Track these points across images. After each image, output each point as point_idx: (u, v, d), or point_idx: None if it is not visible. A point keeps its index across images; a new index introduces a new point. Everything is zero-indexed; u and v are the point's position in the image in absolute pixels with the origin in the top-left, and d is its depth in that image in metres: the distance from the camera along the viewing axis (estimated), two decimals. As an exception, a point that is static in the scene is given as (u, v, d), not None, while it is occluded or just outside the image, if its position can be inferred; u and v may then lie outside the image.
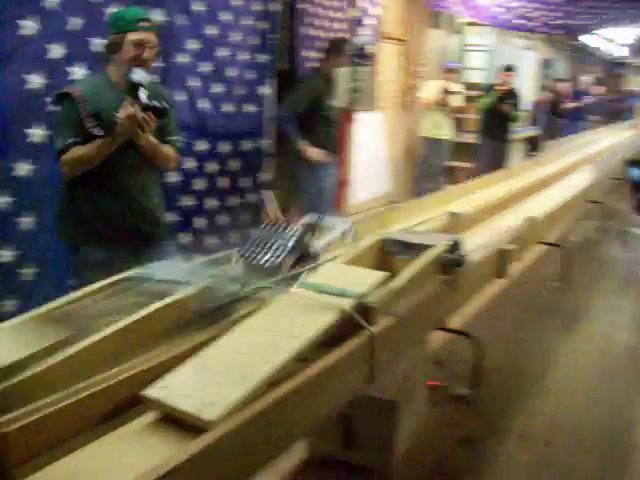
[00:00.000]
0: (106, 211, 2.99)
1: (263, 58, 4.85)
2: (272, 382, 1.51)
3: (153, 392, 1.46)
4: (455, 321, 4.06)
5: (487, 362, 3.60)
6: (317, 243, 2.31)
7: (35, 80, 3.32)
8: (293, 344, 1.62)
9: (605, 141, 9.65)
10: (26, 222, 3.40)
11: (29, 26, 3.28)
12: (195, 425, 1.37)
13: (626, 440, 3.16)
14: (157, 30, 3.03)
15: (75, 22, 3.50)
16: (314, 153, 4.99)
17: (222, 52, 4.48)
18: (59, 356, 1.57)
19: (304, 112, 4.90)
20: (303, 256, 2.17)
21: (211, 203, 4.59)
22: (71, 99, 2.84)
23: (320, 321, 1.74)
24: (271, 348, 1.60)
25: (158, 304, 1.80)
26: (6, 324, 1.74)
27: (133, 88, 2.86)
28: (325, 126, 4.97)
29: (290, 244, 2.15)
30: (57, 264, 3.42)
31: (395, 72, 8.20)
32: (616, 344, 4.33)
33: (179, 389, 1.45)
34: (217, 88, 4.50)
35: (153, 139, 2.99)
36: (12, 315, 1.77)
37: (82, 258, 3.03)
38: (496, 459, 2.95)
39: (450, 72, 7.84)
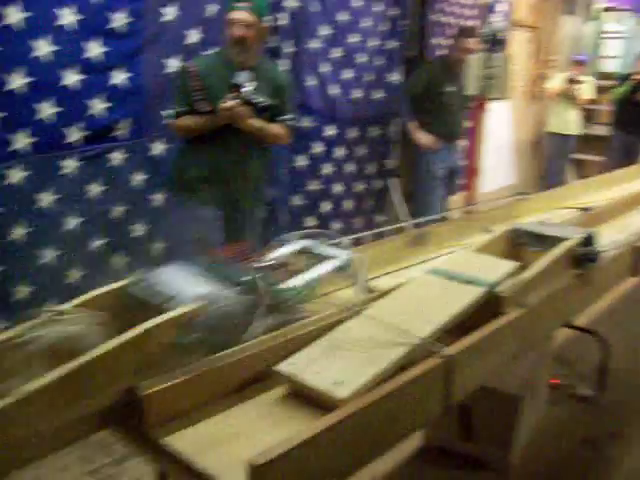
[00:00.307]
0: (209, 173, 3.17)
1: (392, 45, 4.84)
2: (401, 365, 1.53)
3: (285, 368, 1.51)
4: (582, 319, 3.94)
5: (614, 363, 3.47)
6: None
7: (173, 64, 3.47)
8: (423, 329, 1.62)
9: None
10: (157, 199, 3.57)
11: (170, 13, 3.43)
12: (325, 402, 1.41)
13: None
14: (256, 10, 3.04)
15: (211, 9, 3.62)
16: (422, 137, 4.85)
17: (353, 38, 4.50)
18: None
19: (419, 95, 4.83)
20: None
21: (337, 188, 4.64)
22: (187, 73, 3.07)
23: (450, 308, 1.73)
24: (401, 332, 1.61)
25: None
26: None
27: (232, 88, 2.97)
28: (440, 112, 4.78)
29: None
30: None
31: (525, 61, 7.95)
32: None
33: (310, 366, 1.49)
34: (347, 74, 4.53)
35: (257, 123, 3.10)
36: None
37: (187, 213, 3.23)
38: (618, 464, 2.84)
39: (577, 65, 7.49)
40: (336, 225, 4.65)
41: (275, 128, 3.23)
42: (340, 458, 1.37)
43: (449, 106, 4.76)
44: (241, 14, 2.99)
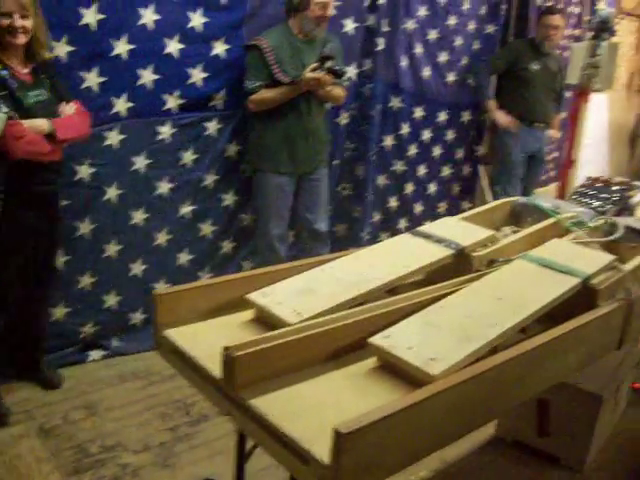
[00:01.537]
0: (281, 141, 3.43)
1: (491, 29, 4.71)
2: (494, 347, 1.51)
3: (380, 340, 1.51)
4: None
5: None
6: (632, 200, 2.75)
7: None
8: (517, 313, 1.60)
9: None
10: (247, 170, 3.63)
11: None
12: (417, 378, 1.41)
13: None
14: None
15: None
16: (501, 117, 4.63)
17: (451, 20, 4.41)
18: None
19: (502, 72, 4.68)
20: (622, 209, 2.63)
21: (422, 171, 4.59)
22: (259, 49, 3.27)
23: (544, 296, 1.70)
24: (496, 313, 1.60)
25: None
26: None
27: (323, 60, 3.26)
28: (523, 91, 4.60)
29: (615, 197, 2.66)
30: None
31: (627, 52, 7.65)
32: None
33: (405, 341, 1.49)
34: (442, 57, 4.45)
35: (335, 89, 3.49)
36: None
37: (261, 181, 3.51)
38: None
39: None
40: (419, 208, 4.60)
41: (340, 91, 3.58)
42: (425, 435, 1.37)
43: (533, 86, 4.60)
44: None
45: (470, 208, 4.95)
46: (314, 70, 3.26)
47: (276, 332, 1.53)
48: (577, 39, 5.31)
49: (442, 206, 4.78)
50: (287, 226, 3.64)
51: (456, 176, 4.84)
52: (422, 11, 4.25)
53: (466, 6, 4.50)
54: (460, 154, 4.81)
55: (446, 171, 4.77)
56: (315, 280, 1.81)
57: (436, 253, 1.91)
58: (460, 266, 1.94)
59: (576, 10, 5.52)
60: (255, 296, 1.75)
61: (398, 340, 1.51)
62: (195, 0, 3.18)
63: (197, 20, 3.20)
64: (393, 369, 1.50)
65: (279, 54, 3.30)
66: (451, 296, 1.70)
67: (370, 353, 1.56)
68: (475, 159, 4.93)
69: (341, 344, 1.60)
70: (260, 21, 3.43)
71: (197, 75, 3.27)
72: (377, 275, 1.80)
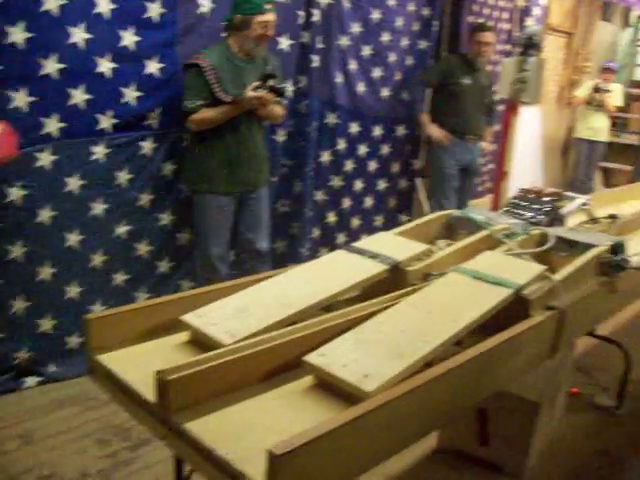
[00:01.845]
0: (221, 162, 3.39)
1: (424, 44, 4.80)
2: (428, 361, 1.53)
3: (315, 359, 1.51)
4: (605, 328, 3.90)
5: (635, 374, 3.43)
6: (563, 210, 2.83)
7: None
8: (451, 327, 1.62)
9: None
10: (185, 190, 3.59)
11: (205, 4, 3.43)
12: (353, 394, 1.41)
13: None
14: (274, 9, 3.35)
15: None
16: (433, 130, 4.72)
17: (384, 37, 4.47)
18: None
19: (434, 86, 4.77)
20: (553, 219, 2.69)
21: (358, 185, 4.63)
22: (198, 68, 3.24)
23: (477, 308, 1.72)
24: (430, 328, 1.61)
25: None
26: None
27: (265, 78, 3.28)
28: (455, 105, 4.71)
29: (546, 208, 2.70)
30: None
31: (557, 67, 7.89)
32: None
33: (339, 358, 1.50)
34: (376, 72, 4.51)
35: (275, 108, 3.50)
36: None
37: (201, 202, 3.46)
38: (636, 475, 2.80)
39: (607, 72, 7.41)
40: (356, 222, 4.64)
41: (280, 109, 3.61)
42: (362, 451, 1.38)
43: (464, 100, 4.70)
44: (272, 16, 3.31)
45: (408, 221, 5.00)
46: (256, 89, 3.26)
47: (210, 354, 1.52)
48: (507, 54, 5.46)
49: (379, 219, 4.83)
50: (228, 246, 3.61)
51: (392, 190, 4.90)
52: (356, 28, 4.30)
53: (399, 23, 4.57)
54: (396, 168, 4.87)
55: (382, 185, 4.82)
56: (250, 299, 1.80)
57: (371, 269, 1.92)
58: (396, 281, 1.96)
59: (506, 26, 5.68)
60: (189, 317, 1.73)
61: (333, 358, 1.51)
62: (126, 19, 3.14)
63: (129, 39, 3.17)
64: (329, 387, 1.50)
65: (219, 73, 3.27)
66: (386, 311, 1.71)
67: (306, 372, 1.56)
68: (412, 172, 5.00)
69: (276, 364, 1.60)
70: (193, 39, 3.42)
71: (130, 94, 3.23)
72: (312, 293, 1.80)
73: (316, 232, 4.42)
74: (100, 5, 3.02)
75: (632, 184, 4.86)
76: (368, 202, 4.75)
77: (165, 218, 3.56)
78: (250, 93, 3.24)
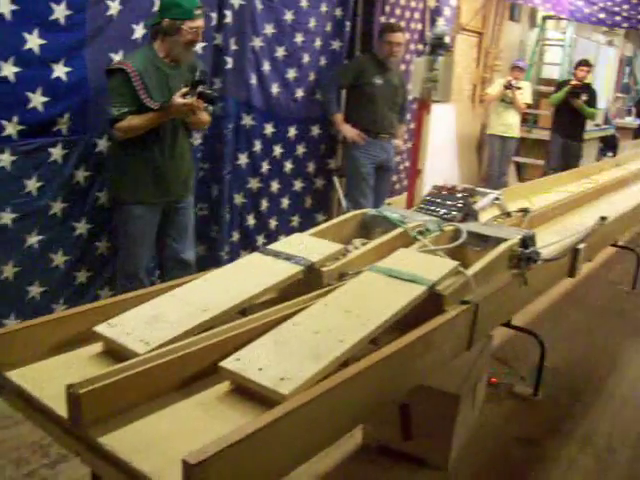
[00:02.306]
0: (146, 171, 3.29)
1: (337, 45, 4.84)
2: (344, 361, 1.53)
3: (230, 364, 1.50)
4: (520, 318, 4.02)
5: (551, 362, 3.56)
6: (476, 205, 2.85)
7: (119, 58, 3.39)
8: (366, 326, 1.63)
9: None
10: (101, 197, 3.50)
11: (114, 6, 3.35)
12: (270, 398, 1.40)
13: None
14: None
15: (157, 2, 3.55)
16: (347, 130, 4.77)
17: (297, 38, 4.49)
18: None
19: (347, 86, 4.82)
20: (467, 215, 2.70)
21: (275, 186, 4.63)
22: (124, 73, 3.12)
23: (391, 306, 1.74)
24: (345, 328, 1.62)
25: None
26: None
27: (194, 84, 3.17)
28: (367, 105, 4.77)
29: (459, 204, 2.70)
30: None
31: (469, 65, 8.09)
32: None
33: (255, 362, 1.49)
34: (290, 73, 4.51)
35: (203, 115, 3.39)
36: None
37: (125, 213, 3.35)
38: (556, 462, 2.89)
39: (517, 70, 7.64)
40: (274, 223, 4.64)
41: (207, 116, 3.51)
42: (280, 455, 1.37)
43: (376, 100, 4.77)
44: (200, 22, 3.24)
45: (325, 220, 5.04)
46: (185, 95, 3.15)
47: (123, 365, 1.48)
48: (420, 54, 5.56)
49: (295, 220, 4.84)
50: (152, 256, 3.54)
51: (308, 190, 4.92)
52: (269, 29, 4.30)
53: (312, 24, 4.59)
54: (311, 168, 4.90)
55: (298, 185, 4.83)
56: (165, 306, 1.77)
57: (286, 271, 1.92)
58: (311, 282, 1.96)
59: (418, 26, 5.78)
60: (102, 328, 1.69)
61: (248, 362, 1.50)
62: (30, 20, 3.03)
63: (34, 42, 3.05)
64: (246, 392, 1.49)
65: (145, 79, 3.16)
66: (301, 313, 1.71)
67: (222, 378, 1.54)
68: (328, 172, 5.03)
69: (192, 371, 1.57)
70: (103, 43, 3.32)
71: (37, 99, 3.11)
72: (227, 297, 1.78)
73: (236, 235, 4.39)
74: (1, 6, 2.91)
75: (542, 178, 5.02)
76: (284, 203, 4.75)
77: (81, 227, 3.45)
78: (179, 100, 3.13)
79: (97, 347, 1.72)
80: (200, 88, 3.17)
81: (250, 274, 1.92)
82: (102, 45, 3.32)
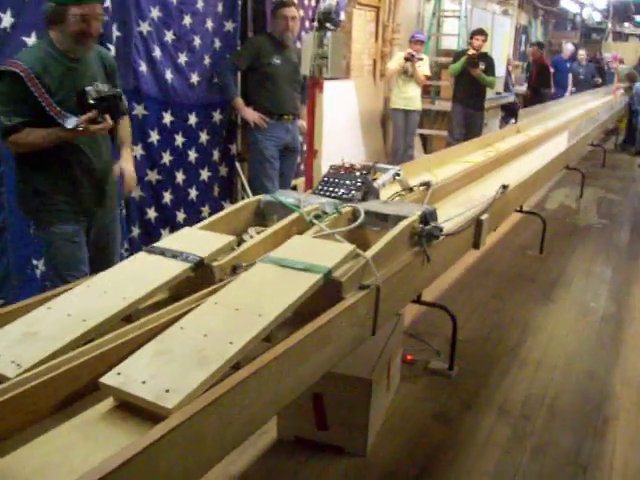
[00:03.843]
0: (64, 188, 2.84)
1: (230, 26, 4.68)
2: (236, 364, 1.43)
3: (111, 379, 1.37)
4: (431, 293, 4.01)
5: (463, 334, 3.55)
6: (376, 182, 2.74)
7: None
8: (258, 322, 1.52)
9: (582, 108, 9.63)
10: None
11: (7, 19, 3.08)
12: (155, 413, 1.28)
13: (603, 411, 3.12)
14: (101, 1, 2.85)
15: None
16: (248, 113, 4.66)
17: (186, 20, 4.30)
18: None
19: (245, 69, 4.68)
20: (367, 193, 2.59)
21: (180, 177, 4.44)
22: (16, 76, 2.57)
23: (285, 298, 1.64)
24: (235, 328, 1.51)
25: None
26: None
27: (96, 103, 2.65)
28: (267, 86, 4.65)
29: (359, 182, 2.58)
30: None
31: (368, 40, 8.05)
32: (593, 312, 4.30)
33: (138, 375, 1.36)
34: (182, 58, 4.33)
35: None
36: None
37: (45, 237, 2.91)
38: (474, 436, 2.88)
39: (417, 43, 7.64)
40: (181, 216, 4.45)
41: (127, 122, 3.17)
42: (176, 469, 1.26)
43: (277, 80, 4.66)
44: (94, 8, 2.66)
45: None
46: (92, 120, 2.63)
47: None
48: (307, 31, 5.45)
49: (205, 210, 4.68)
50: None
51: (215, 178, 4.76)
52: (155, 12, 4.11)
53: (200, 4, 4.42)
54: (216, 155, 4.73)
55: (205, 174, 4.66)
56: (40, 321, 1.61)
57: (173, 269, 1.79)
58: (203, 278, 1.84)
59: (312, 2, 5.66)
60: (-33, 352, 1.52)
61: (131, 375, 1.37)
62: None
63: None
64: (131, 408, 1.36)
65: (45, 79, 2.61)
66: (188, 315, 1.58)
67: (105, 394, 1.40)
68: (231, 158, 4.89)
69: (72, 389, 1.43)
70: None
71: None
72: (110, 304, 1.64)
73: (135, 230, 4.19)
74: None
75: (445, 149, 5.02)
76: (192, 194, 4.57)
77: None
78: (91, 127, 2.63)
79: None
80: (105, 103, 2.66)
81: (134, 276, 1.77)
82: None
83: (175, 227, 4.38)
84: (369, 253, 1.96)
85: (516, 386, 3.30)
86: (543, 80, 10.77)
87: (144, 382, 1.35)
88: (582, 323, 4.13)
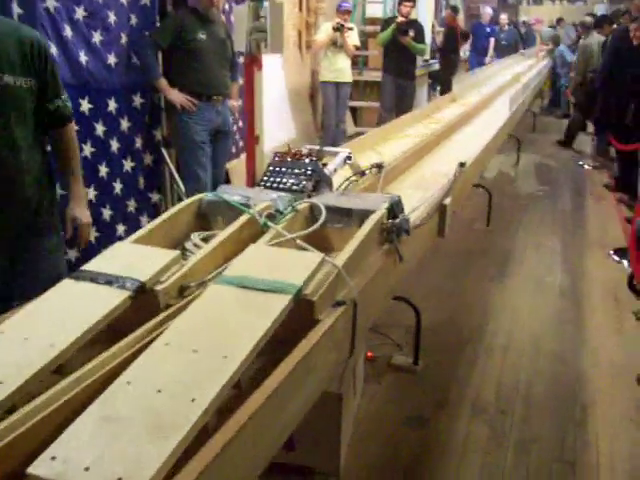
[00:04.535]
0: None
1: (146, 0, 4.27)
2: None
3: (42, 468, 1.01)
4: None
5: (424, 323, 3.30)
6: (327, 169, 2.48)
7: None
8: (225, 367, 1.21)
9: (509, 71, 9.55)
10: None
11: None
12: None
13: (580, 398, 2.95)
14: None
15: None
16: (174, 95, 4.27)
17: (97, -7, 3.87)
18: None
19: (168, 47, 4.23)
20: (318, 182, 2.37)
21: (105, 170, 4.01)
22: None
23: (252, 331, 1.33)
24: (196, 377, 1.19)
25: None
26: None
27: None
28: (193, 65, 4.25)
29: (308, 170, 2.36)
30: None
31: (292, 10, 7.66)
32: (550, 288, 4.15)
33: (79, 458, 1.02)
34: (96, 37, 3.89)
35: None
36: None
37: None
38: (451, 438, 2.65)
39: (343, 12, 7.31)
40: (108, 213, 4.03)
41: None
42: None
43: (203, 58, 4.25)
44: None
45: (161, 200, 4.52)
46: None
47: None
48: (239, 2, 5.06)
49: (131, 205, 4.23)
50: None
51: (140, 168, 4.33)
52: (60, -14, 3.65)
53: (112, -24, 3.97)
54: (139, 143, 4.31)
55: (128, 165, 4.22)
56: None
57: (109, 300, 1.45)
58: (146, 307, 1.51)
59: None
60: None
61: (69, 459, 1.02)
62: None
63: None
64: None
65: None
66: (135, 362, 1.25)
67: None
68: (156, 145, 4.48)
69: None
70: None
71: None
72: (33, 356, 1.29)
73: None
74: None
75: (386, 125, 4.75)
76: (117, 188, 4.14)
77: None
78: None
79: None
80: None
81: (62, 314, 1.42)
82: None
83: (103, 227, 3.97)
84: (339, 261, 1.66)
85: (486, 376, 3.10)
86: (450, 45, 10.49)
87: (87, 469, 1.01)
88: (541, 300, 3.97)
